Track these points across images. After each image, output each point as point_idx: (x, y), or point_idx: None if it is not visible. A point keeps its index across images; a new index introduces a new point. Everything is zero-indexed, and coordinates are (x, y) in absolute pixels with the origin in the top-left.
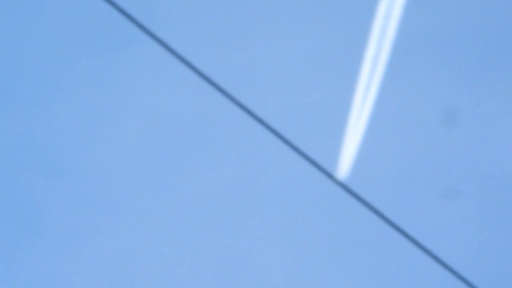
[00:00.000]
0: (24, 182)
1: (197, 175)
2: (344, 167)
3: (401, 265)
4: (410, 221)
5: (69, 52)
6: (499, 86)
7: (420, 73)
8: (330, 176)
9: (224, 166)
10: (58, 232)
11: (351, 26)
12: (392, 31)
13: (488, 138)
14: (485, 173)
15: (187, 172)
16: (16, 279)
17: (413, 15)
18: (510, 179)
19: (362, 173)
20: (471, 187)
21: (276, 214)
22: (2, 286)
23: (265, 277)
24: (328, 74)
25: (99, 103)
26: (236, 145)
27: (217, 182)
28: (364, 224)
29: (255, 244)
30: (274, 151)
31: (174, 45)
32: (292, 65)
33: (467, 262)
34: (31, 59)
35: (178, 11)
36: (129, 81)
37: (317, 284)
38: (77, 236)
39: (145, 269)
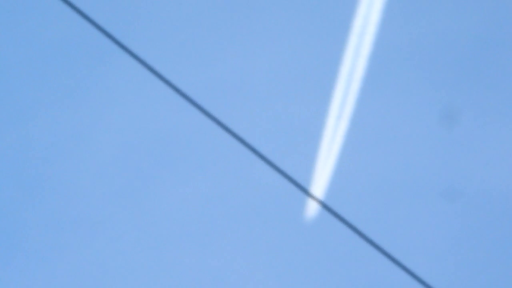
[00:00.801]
0: None
1: (172, 190)
2: (319, 183)
3: (378, 282)
4: (387, 237)
5: (44, 67)
6: (477, 99)
7: (396, 89)
8: (305, 191)
9: (199, 180)
10: (33, 248)
11: (326, 42)
12: (367, 48)
13: (467, 157)
14: (465, 190)
15: (162, 187)
16: None
17: (387, 31)
18: (492, 196)
19: (338, 189)
20: (449, 203)
21: (251, 229)
22: None
23: None
24: (303, 90)
25: (73, 119)
26: (211, 160)
27: (192, 197)
28: (341, 240)
29: (228, 260)
30: (249, 166)
31: (150, 60)
32: (267, 80)
33: (444, 279)
34: (5, 74)
35: (153, 26)
36: (104, 96)
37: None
38: (52, 251)
39: (120, 283)
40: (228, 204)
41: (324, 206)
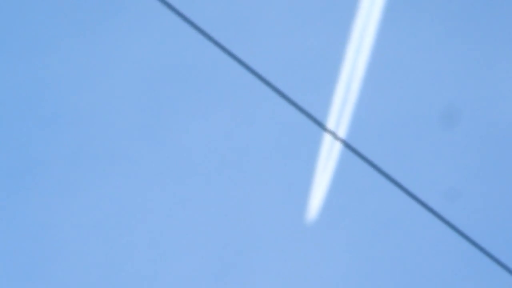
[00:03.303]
0: (18, 132)
1: (189, 123)
2: (335, 118)
3: (395, 216)
4: (405, 172)
5: (62, 0)
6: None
7: (417, 19)
8: (322, 127)
9: (217, 115)
10: (52, 182)
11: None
12: None
13: (495, 90)
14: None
15: (180, 120)
16: (11, 230)
17: None
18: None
19: (356, 124)
20: (470, 136)
21: (268, 164)
22: None
23: (258, 224)
24: (321, 22)
25: (92, 52)
26: (229, 95)
27: (209, 131)
28: (358, 174)
29: (247, 192)
30: (267, 101)
31: None
32: (284, 12)
33: (462, 213)
34: (24, 12)
35: None
36: (122, 30)
37: (315, 234)
38: (71, 185)
39: (139, 217)
40: (245, 138)
41: (341, 141)
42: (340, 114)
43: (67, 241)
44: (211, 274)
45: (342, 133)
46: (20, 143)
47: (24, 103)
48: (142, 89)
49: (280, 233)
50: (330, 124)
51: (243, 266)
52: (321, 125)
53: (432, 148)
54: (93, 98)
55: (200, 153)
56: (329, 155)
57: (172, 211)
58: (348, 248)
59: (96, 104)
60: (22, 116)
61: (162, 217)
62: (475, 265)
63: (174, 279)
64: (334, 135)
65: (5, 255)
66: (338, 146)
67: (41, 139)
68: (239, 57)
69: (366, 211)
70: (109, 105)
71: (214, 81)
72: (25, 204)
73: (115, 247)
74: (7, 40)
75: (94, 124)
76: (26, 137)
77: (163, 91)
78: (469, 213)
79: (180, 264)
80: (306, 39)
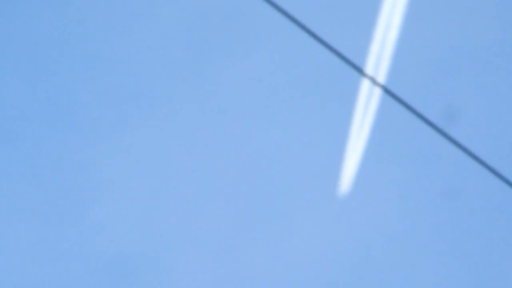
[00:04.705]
0: (58, 74)
1: (228, 67)
2: (373, 63)
3: (436, 161)
4: (445, 117)
5: None
6: None
7: None
8: (360, 71)
9: (254, 59)
10: (93, 124)
11: None
12: None
13: None
14: None
15: (218, 64)
16: (50, 170)
17: None
18: None
19: (395, 68)
20: None
21: (306, 105)
22: (36, 176)
23: (296, 171)
24: None
25: None
26: (266, 40)
27: (247, 73)
28: (395, 119)
29: (285, 139)
30: (304, 46)
31: None
32: None
33: (498, 154)
34: None
35: None
36: None
37: (355, 184)
38: (112, 127)
39: (180, 160)
40: (282, 84)
41: (379, 85)
42: (378, 59)
43: (108, 183)
44: (251, 208)
45: (381, 78)
46: (63, 84)
47: (65, 45)
48: (181, 33)
49: (320, 182)
50: (369, 69)
51: (279, 208)
52: (359, 71)
53: (473, 90)
54: (133, 41)
55: (238, 97)
56: (368, 101)
57: (213, 152)
58: (389, 191)
59: (136, 47)
60: (66, 57)
61: (203, 157)
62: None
63: (215, 215)
64: (373, 80)
65: (46, 197)
66: (377, 92)
67: (84, 80)
68: (276, 2)
69: (407, 156)
70: (149, 48)
71: (252, 27)
72: (68, 145)
73: (154, 190)
74: None
75: (134, 67)
76: (69, 78)
77: (202, 35)
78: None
79: (220, 200)
80: None
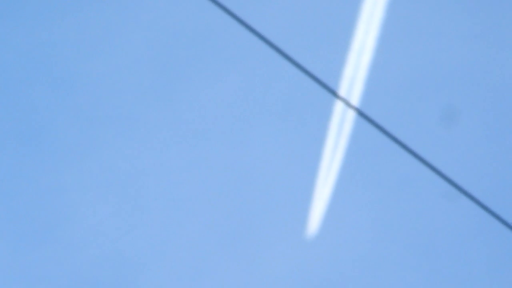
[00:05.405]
0: (28, 95)
1: (199, 89)
2: (346, 84)
3: (409, 184)
4: (418, 139)
5: None
6: None
7: None
8: (332, 92)
9: (226, 80)
10: (62, 145)
11: None
12: None
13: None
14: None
15: (189, 85)
16: (19, 191)
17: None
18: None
19: (368, 90)
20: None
21: (278, 127)
22: (5, 198)
23: (268, 189)
24: None
25: (102, 17)
26: (238, 61)
27: (219, 95)
28: (367, 139)
29: (256, 159)
30: (277, 68)
31: None
32: None
33: (469, 177)
34: None
35: None
36: None
37: (328, 202)
38: (81, 149)
39: (150, 182)
40: (255, 105)
41: (349, 104)
42: (352, 81)
43: (77, 205)
44: (219, 237)
45: (354, 100)
46: (30, 107)
47: (35, 67)
48: (152, 54)
49: (290, 199)
50: (343, 91)
51: (251, 231)
52: (333, 93)
53: (446, 113)
54: (103, 63)
55: (210, 119)
56: (341, 123)
57: (184, 174)
58: (362, 213)
59: (107, 69)
60: (33, 80)
61: (174, 180)
62: (487, 230)
63: (183, 242)
64: (347, 102)
65: (16, 220)
66: (351, 114)
67: (52, 103)
68: (250, 23)
69: (380, 179)
70: (120, 70)
71: (225, 48)
72: (35, 167)
73: (125, 211)
74: (21, 5)
75: (105, 88)
76: (37, 101)
77: (173, 57)
78: (485, 183)
79: (189, 227)
80: (317, 4)
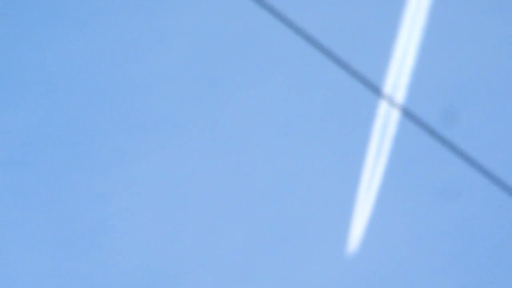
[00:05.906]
0: (74, 103)
1: (244, 93)
2: (394, 84)
3: (456, 185)
4: (466, 138)
5: None
6: None
7: None
8: (379, 93)
9: (272, 84)
10: (107, 153)
11: None
12: None
13: None
14: None
15: (235, 90)
16: (63, 198)
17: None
18: None
19: (413, 89)
20: None
21: (323, 130)
22: (50, 205)
23: (313, 192)
24: None
25: (145, 23)
26: (284, 63)
27: (263, 99)
28: (416, 143)
29: (301, 161)
30: (323, 69)
31: None
32: None
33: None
34: None
35: None
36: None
37: (372, 205)
38: (126, 156)
39: (194, 189)
40: (300, 106)
41: (397, 105)
42: (397, 79)
43: (121, 212)
44: (256, 253)
45: (399, 98)
46: (75, 114)
47: (79, 74)
48: (197, 59)
49: (330, 211)
50: (387, 89)
51: (296, 236)
52: (377, 91)
53: (493, 109)
54: (148, 69)
55: (255, 122)
56: (386, 122)
57: (228, 179)
58: (409, 226)
59: (151, 74)
60: (78, 88)
61: (218, 186)
62: None
63: (222, 254)
64: (391, 101)
65: (59, 227)
66: (395, 113)
67: (96, 110)
68: (294, 23)
69: (426, 181)
70: (165, 76)
71: (268, 49)
72: (80, 175)
73: (168, 219)
74: (61, 12)
75: (148, 94)
76: (82, 108)
77: (218, 60)
78: None
79: (228, 239)
80: (362, 3)
